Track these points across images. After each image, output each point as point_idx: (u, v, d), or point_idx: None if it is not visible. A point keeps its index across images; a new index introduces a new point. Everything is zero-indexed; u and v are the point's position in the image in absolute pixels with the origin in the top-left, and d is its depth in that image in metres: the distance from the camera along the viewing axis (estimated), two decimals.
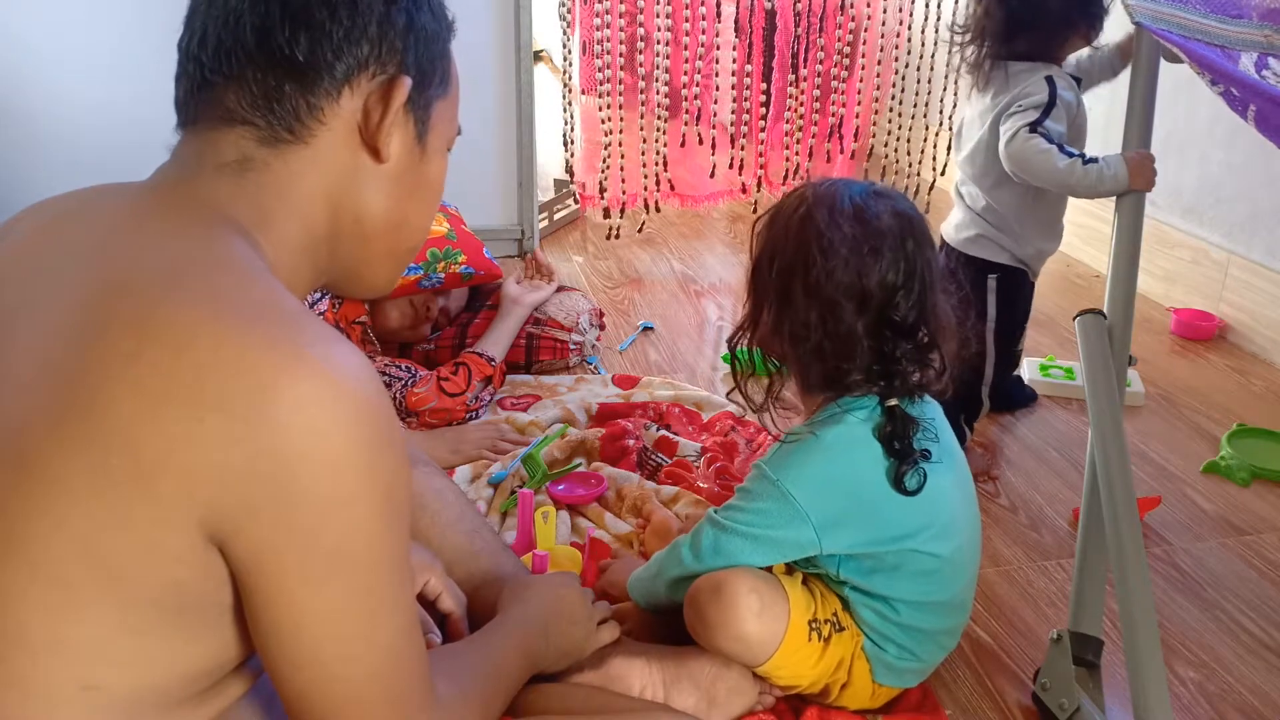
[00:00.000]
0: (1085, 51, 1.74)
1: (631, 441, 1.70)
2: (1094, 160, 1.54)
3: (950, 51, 1.76)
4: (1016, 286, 1.74)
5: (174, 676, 0.67)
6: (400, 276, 0.87)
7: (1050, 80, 1.62)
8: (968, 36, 1.71)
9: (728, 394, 1.21)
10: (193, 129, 0.75)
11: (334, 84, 0.72)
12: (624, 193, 2.69)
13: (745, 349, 1.21)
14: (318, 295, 1.70)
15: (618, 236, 2.73)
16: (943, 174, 2.83)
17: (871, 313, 1.10)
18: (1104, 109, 1.97)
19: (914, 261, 1.10)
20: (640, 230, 2.81)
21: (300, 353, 0.63)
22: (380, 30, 0.73)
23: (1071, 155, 1.56)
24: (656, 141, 2.65)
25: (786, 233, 1.14)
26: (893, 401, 1.11)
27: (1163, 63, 1.45)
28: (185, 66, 0.74)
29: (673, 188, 2.71)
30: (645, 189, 2.70)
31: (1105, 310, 1.39)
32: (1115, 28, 1.71)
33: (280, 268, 0.73)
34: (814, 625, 1.12)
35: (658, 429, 1.74)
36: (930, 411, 1.15)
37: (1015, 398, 1.95)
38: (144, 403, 0.60)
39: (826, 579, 1.16)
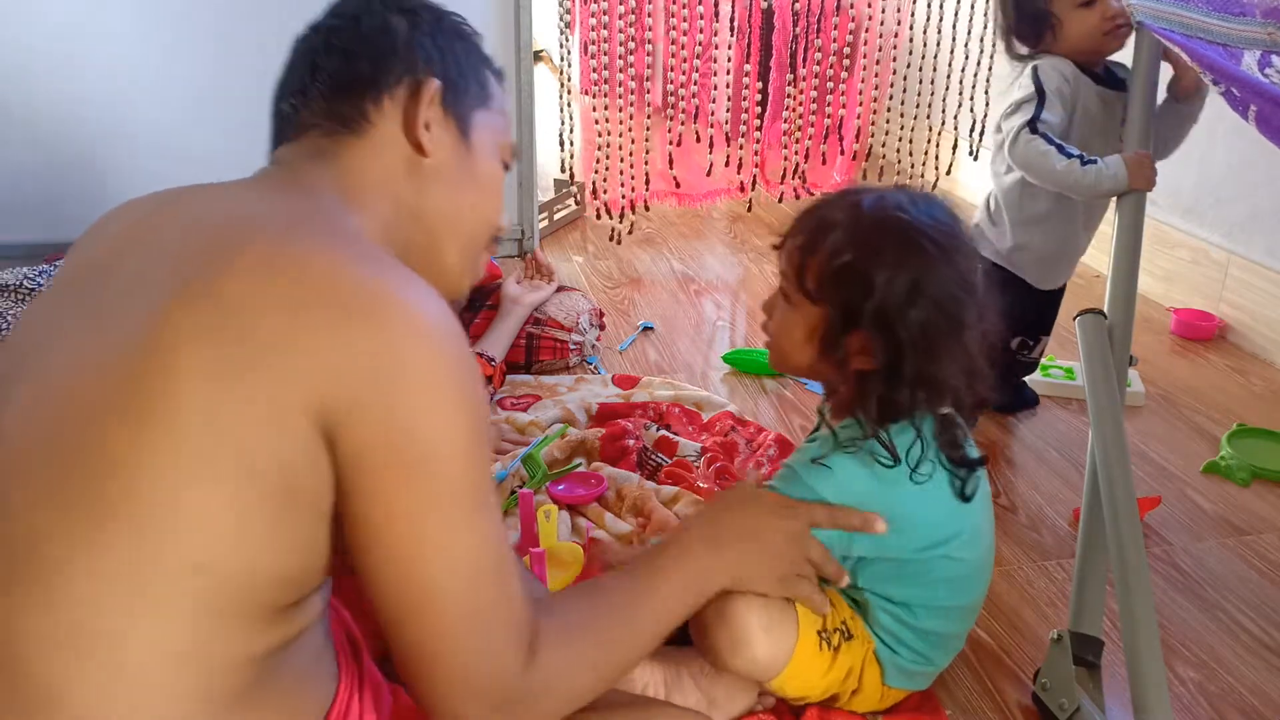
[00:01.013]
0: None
1: (631, 441, 1.70)
2: (1093, 161, 1.53)
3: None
4: (1002, 286, 1.71)
5: (271, 575, 0.71)
6: (472, 275, 0.97)
7: (1035, 71, 1.61)
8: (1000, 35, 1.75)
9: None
10: (278, 144, 0.91)
11: (376, 92, 0.88)
12: (624, 195, 2.69)
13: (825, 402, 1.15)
14: None
15: (619, 241, 2.73)
16: (948, 173, 2.83)
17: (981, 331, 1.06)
18: None
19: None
20: (630, 231, 2.80)
21: (407, 283, 0.74)
22: (407, 50, 0.89)
23: (1070, 156, 1.55)
24: (653, 141, 2.65)
25: (926, 270, 1.02)
26: (947, 409, 1.08)
27: (1164, 63, 1.45)
28: (273, 115, 0.92)
29: (677, 185, 2.71)
30: (644, 188, 2.70)
31: (1105, 310, 1.39)
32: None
33: (371, 239, 0.84)
34: (823, 635, 1.11)
35: (658, 429, 1.74)
36: None
37: (1015, 401, 1.95)
38: (273, 301, 0.69)
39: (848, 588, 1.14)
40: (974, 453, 1.11)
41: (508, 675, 0.77)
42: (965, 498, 1.09)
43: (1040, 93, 1.60)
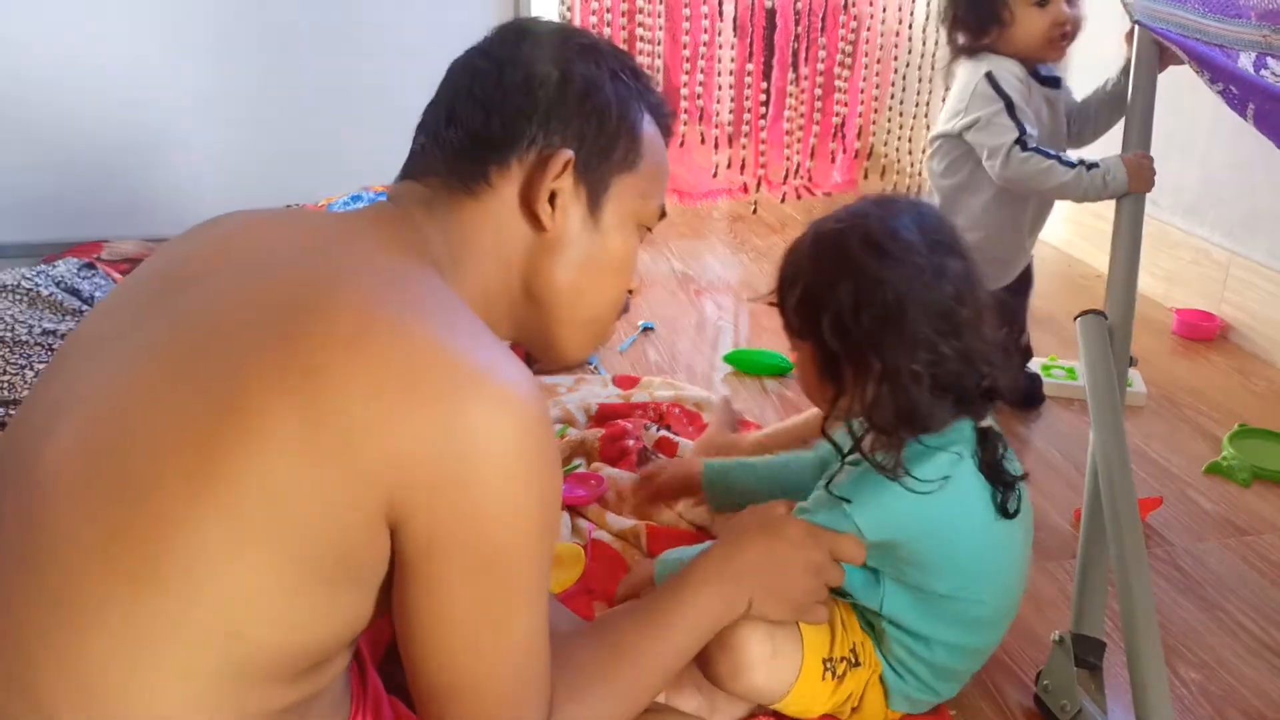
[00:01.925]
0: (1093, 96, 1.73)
1: (631, 442, 1.69)
2: (1095, 165, 1.53)
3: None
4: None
5: (309, 642, 0.70)
6: (591, 348, 0.94)
7: (989, 77, 1.59)
8: (942, 35, 1.74)
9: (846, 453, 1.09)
10: (403, 179, 0.87)
11: (503, 155, 0.82)
12: None
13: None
14: None
15: None
16: None
17: (969, 311, 1.05)
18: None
19: (964, 248, 1.09)
20: None
21: (493, 365, 0.70)
22: (549, 109, 0.82)
23: (1072, 165, 1.54)
24: None
25: (848, 265, 1.04)
26: (987, 423, 1.07)
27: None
28: (412, 143, 0.88)
29: (684, 184, 2.71)
30: None
31: (1106, 311, 1.38)
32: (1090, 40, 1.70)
33: (472, 305, 0.80)
34: (829, 664, 1.10)
35: (658, 429, 1.74)
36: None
37: (1029, 398, 1.94)
38: (361, 383, 0.66)
39: (864, 609, 1.14)
40: (1015, 469, 1.10)
41: None
42: (1007, 514, 1.07)
43: (1008, 102, 1.58)
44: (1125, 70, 1.67)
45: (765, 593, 1.01)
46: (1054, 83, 1.68)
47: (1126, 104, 1.68)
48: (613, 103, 0.84)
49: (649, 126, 0.88)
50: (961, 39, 1.68)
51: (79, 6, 2.22)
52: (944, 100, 2.71)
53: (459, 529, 0.68)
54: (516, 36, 0.87)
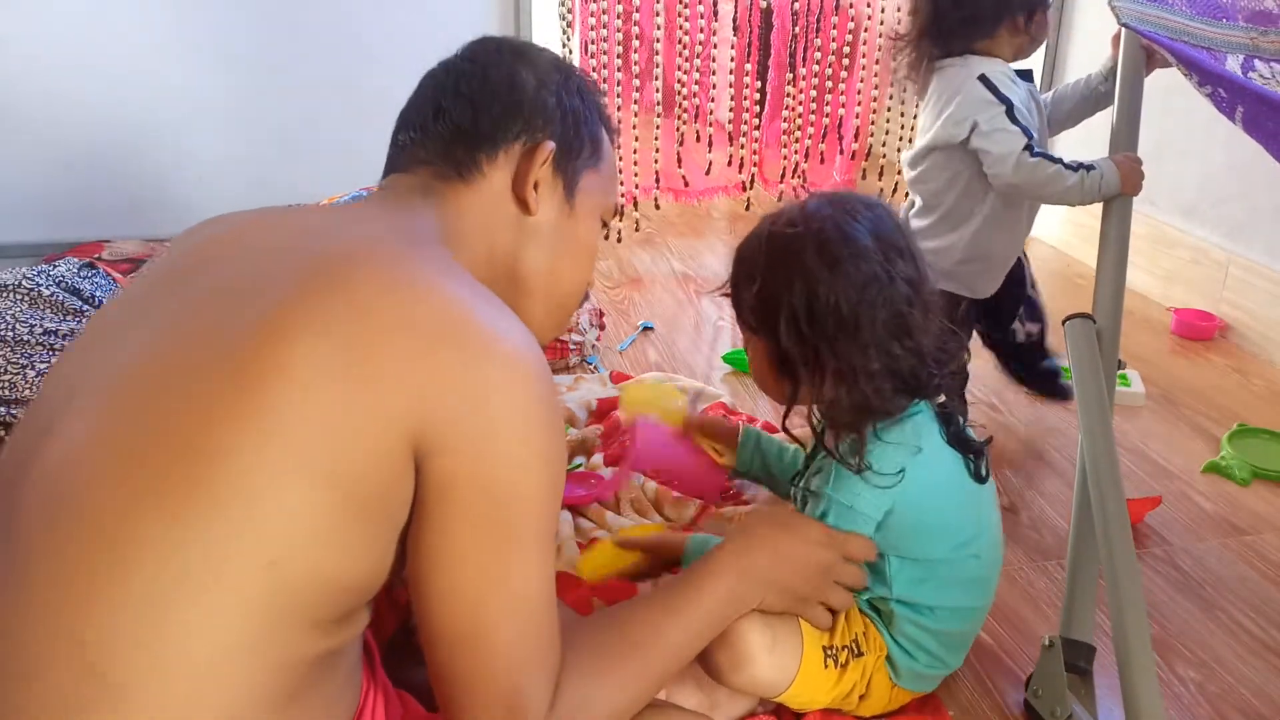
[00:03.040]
0: (1067, 89, 1.72)
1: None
2: (1091, 168, 1.52)
3: (894, 62, 1.72)
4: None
5: (337, 580, 0.72)
6: (558, 330, 1.02)
7: (984, 80, 1.56)
8: (903, 41, 1.66)
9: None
10: (392, 174, 0.94)
11: (493, 146, 0.91)
12: (623, 195, 2.69)
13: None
14: None
15: (620, 240, 2.73)
16: None
17: (919, 312, 1.09)
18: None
19: (914, 249, 1.12)
20: (637, 229, 2.80)
21: (505, 327, 0.77)
22: (531, 107, 0.92)
23: (1074, 169, 1.52)
24: (650, 139, 2.65)
25: (803, 273, 1.07)
26: (941, 398, 1.12)
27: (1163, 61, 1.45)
28: (391, 145, 0.95)
29: (685, 183, 2.71)
30: (638, 187, 2.70)
31: (1094, 314, 1.38)
32: (1085, 40, 1.70)
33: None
34: (829, 652, 1.11)
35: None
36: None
37: (1048, 387, 1.92)
38: (393, 322, 0.72)
39: (873, 598, 1.15)
40: (976, 437, 1.16)
41: (537, 711, 0.79)
42: (980, 479, 1.14)
43: (1009, 105, 1.55)
44: (1106, 73, 1.67)
45: (776, 590, 1.06)
46: (1028, 76, 1.66)
47: (1099, 104, 1.70)
48: (580, 109, 0.95)
49: (604, 135, 0.99)
50: (939, 45, 1.63)
51: (81, 7, 2.22)
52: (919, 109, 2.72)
53: (477, 471, 0.73)
54: (494, 46, 0.97)
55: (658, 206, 2.75)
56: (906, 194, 1.78)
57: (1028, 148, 1.54)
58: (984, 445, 1.15)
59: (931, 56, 1.64)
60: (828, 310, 1.06)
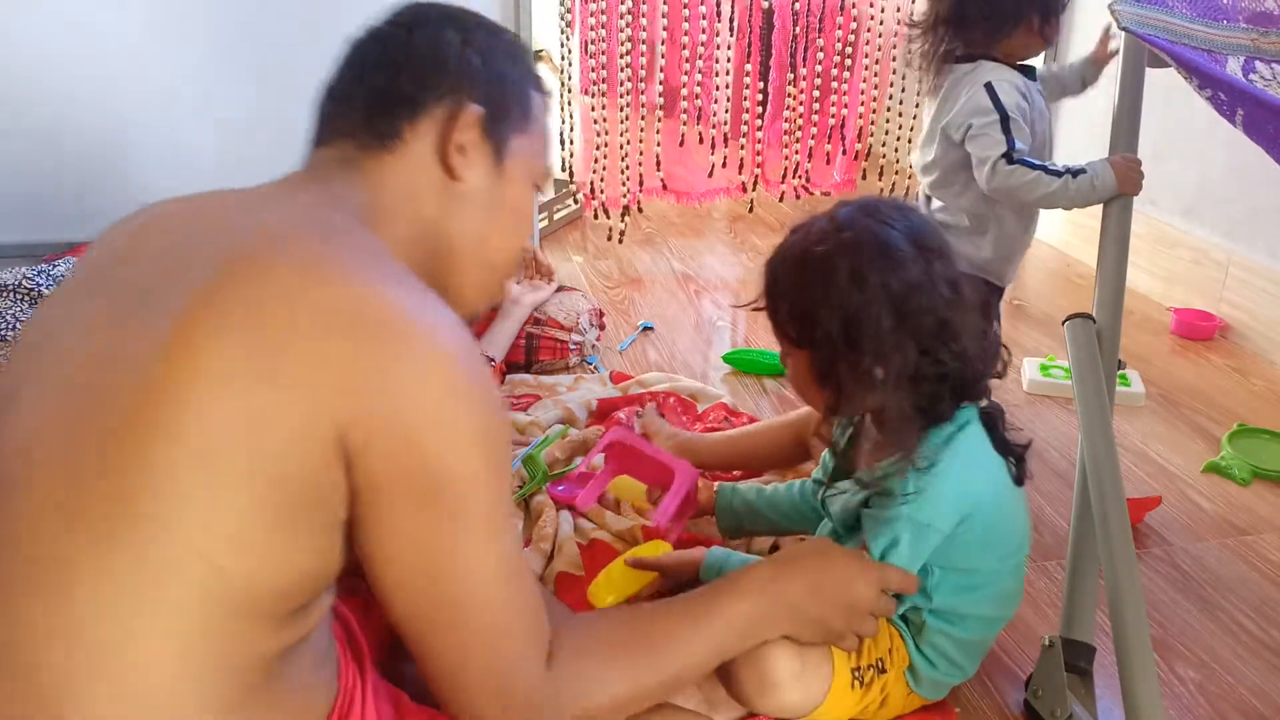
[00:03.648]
0: (1067, 61, 1.74)
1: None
2: (1081, 171, 1.53)
3: (908, 48, 1.73)
4: (976, 292, 1.70)
5: (280, 579, 0.71)
6: (491, 297, 0.99)
7: (989, 89, 1.58)
8: (919, 29, 1.68)
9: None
10: (317, 148, 0.91)
11: (414, 111, 0.87)
12: (625, 194, 2.69)
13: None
14: None
15: (621, 240, 2.73)
16: None
17: (959, 314, 1.07)
18: (1087, 110, 1.97)
19: (949, 248, 1.11)
20: (623, 237, 2.80)
21: (424, 311, 0.75)
22: (456, 69, 0.88)
23: (1059, 174, 1.54)
24: (654, 140, 2.65)
25: (841, 287, 1.05)
26: (984, 402, 1.12)
27: (1148, 65, 1.44)
28: (318, 110, 0.92)
29: (665, 186, 2.71)
30: (641, 187, 2.70)
31: (1094, 314, 1.38)
32: (1086, 41, 1.71)
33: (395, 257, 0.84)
34: (857, 674, 1.11)
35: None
36: None
37: None
38: (308, 320, 0.70)
39: (907, 609, 1.14)
40: (1020, 438, 1.16)
41: (529, 682, 0.79)
42: (1020, 482, 1.14)
43: (1003, 116, 1.57)
44: (1093, 59, 1.72)
45: (805, 621, 1.04)
46: (1031, 73, 1.68)
47: (1082, 88, 1.75)
48: (506, 70, 0.92)
49: (535, 96, 0.95)
50: (960, 45, 1.65)
51: (80, 7, 2.22)
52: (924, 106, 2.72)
53: (405, 462, 0.72)
54: (421, 10, 0.93)
55: (640, 209, 2.74)
56: (918, 194, 1.80)
57: (1005, 155, 1.56)
58: (1024, 449, 1.15)
59: (946, 55, 1.65)
60: (867, 326, 1.04)
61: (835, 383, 1.08)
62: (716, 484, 1.41)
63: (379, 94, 0.88)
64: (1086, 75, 1.76)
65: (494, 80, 0.90)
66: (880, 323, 1.03)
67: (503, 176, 0.92)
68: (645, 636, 0.92)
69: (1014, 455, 1.13)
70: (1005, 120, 1.57)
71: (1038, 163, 1.56)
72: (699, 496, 1.37)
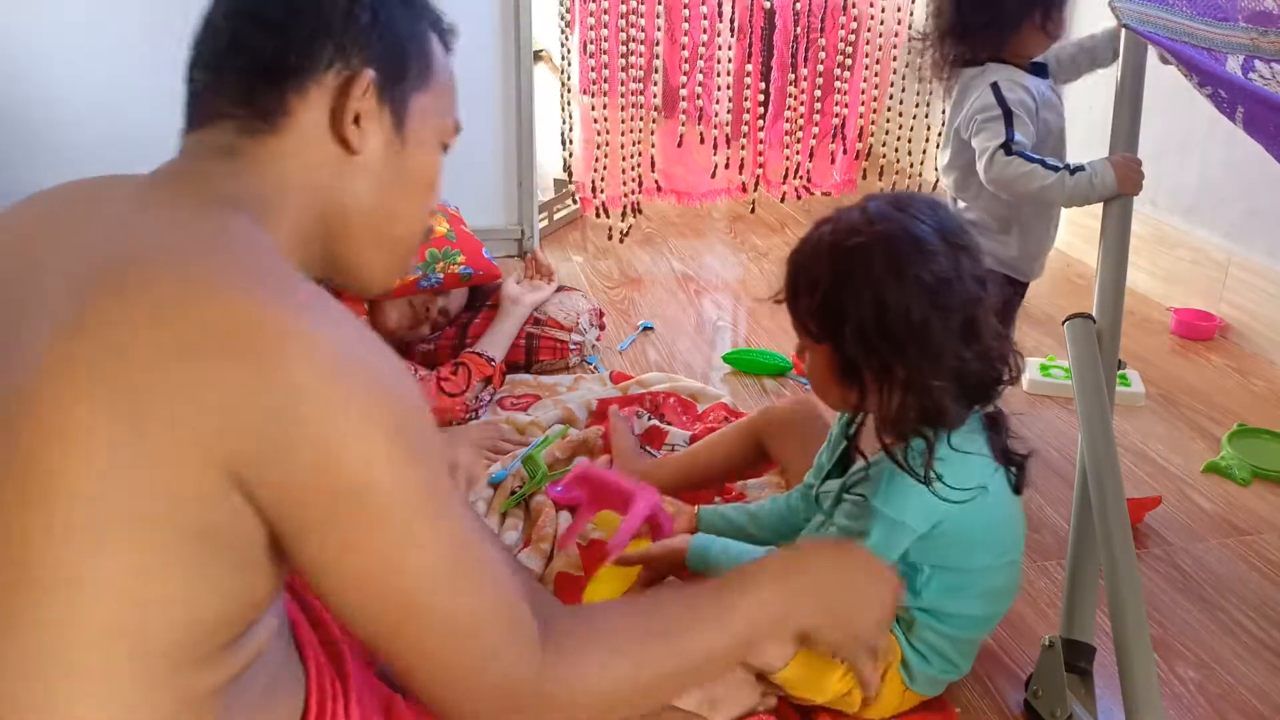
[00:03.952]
0: (1069, 44, 1.73)
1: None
2: (1080, 168, 1.53)
3: (910, 55, 1.75)
4: (1000, 289, 1.70)
5: (200, 621, 0.68)
6: (400, 273, 0.90)
7: (995, 88, 1.59)
8: (926, 41, 1.69)
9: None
10: (192, 130, 0.81)
11: (299, 80, 0.78)
12: (625, 194, 2.69)
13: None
14: None
15: (622, 239, 2.73)
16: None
17: (985, 312, 1.07)
18: (1087, 110, 1.97)
19: (977, 245, 1.11)
20: (625, 236, 2.80)
21: (300, 309, 0.67)
22: (343, 28, 0.79)
23: (1056, 169, 1.54)
24: (654, 141, 2.65)
25: (871, 282, 1.05)
26: (991, 408, 1.11)
27: (1160, 61, 1.44)
28: (188, 82, 0.82)
29: (666, 188, 2.71)
30: (642, 188, 2.70)
31: (1094, 314, 1.38)
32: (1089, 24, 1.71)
33: (282, 248, 0.77)
34: None
35: (649, 418, 1.76)
36: None
37: None
38: (163, 354, 0.64)
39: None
40: (1021, 447, 1.15)
41: (519, 675, 0.75)
42: (1018, 490, 1.14)
43: (1006, 113, 1.58)
44: (1109, 35, 1.70)
45: (831, 620, 0.96)
46: (1042, 71, 1.68)
47: (1114, 58, 1.70)
48: (401, 21, 0.82)
49: (436, 44, 0.86)
50: (961, 46, 1.66)
51: (82, 8, 2.22)
52: (944, 101, 2.72)
53: (306, 477, 0.66)
54: None
55: (640, 211, 2.75)
56: (933, 189, 1.81)
57: (1003, 146, 1.57)
58: (1025, 458, 1.14)
59: (955, 60, 1.67)
60: (899, 318, 1.03)
61: (858, 378, 1.08)
62: (697, 507, 1.38)
63: (259, 64, 0.78)
64: (1104, 57, 1.74)
65: (388, 35, 0.81)
66: (911, 316, 1.03)
67: (405, 144, 0.83)
68: (650, 629, 0.86)
69: (1014, 463, 1.13)
70: (1008, 115, 1.58)
71: (1036, 156, 1.56)
72: (680, 524, 1.33)
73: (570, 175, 2.78)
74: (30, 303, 0.69)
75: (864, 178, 2.83)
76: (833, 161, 2.80)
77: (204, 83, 0.80)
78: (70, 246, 0.72)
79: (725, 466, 1.55)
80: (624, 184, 2.68)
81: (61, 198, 0.80)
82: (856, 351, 1.06)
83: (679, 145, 2.66)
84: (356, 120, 0.79)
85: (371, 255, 0.85)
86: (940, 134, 2.80)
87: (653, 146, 2.69)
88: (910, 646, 1.15)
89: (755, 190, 2.80)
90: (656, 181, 2.73)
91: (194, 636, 0.68)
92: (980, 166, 1.60)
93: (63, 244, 0.72)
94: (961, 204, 1.74)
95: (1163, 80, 1.47)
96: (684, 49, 2.58)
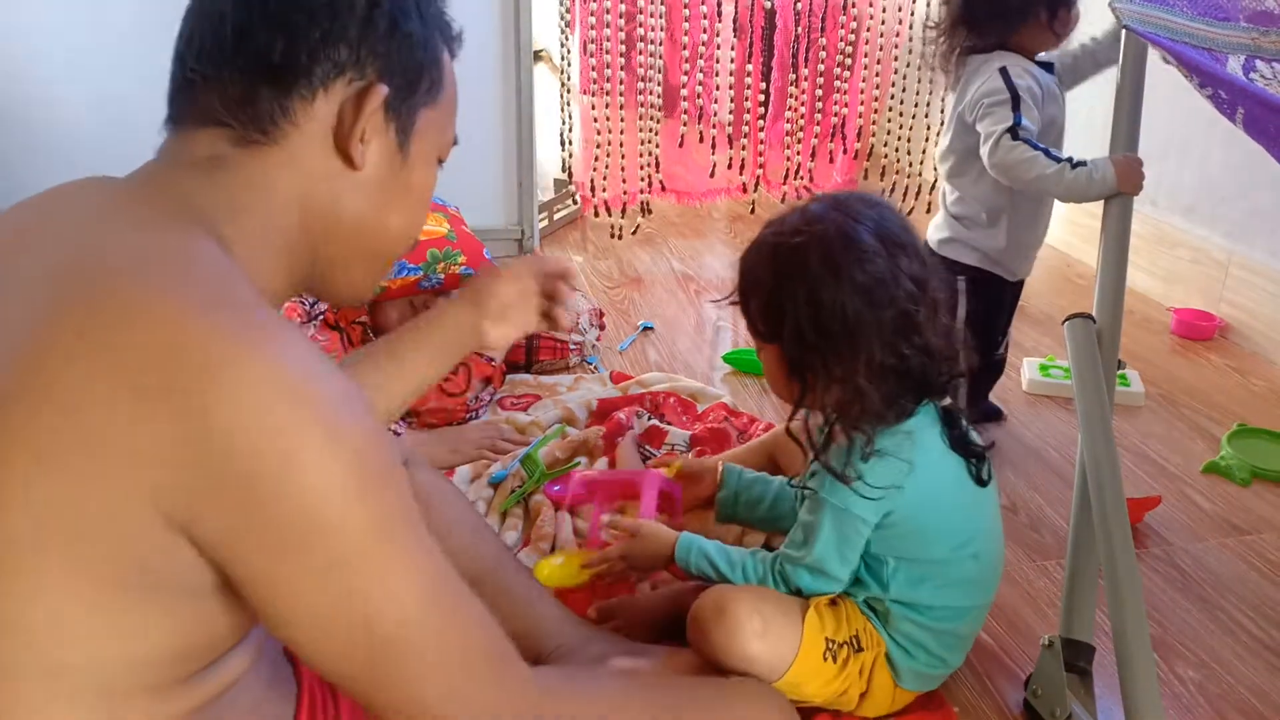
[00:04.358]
0: (1078, 43, 1.74)
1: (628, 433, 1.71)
2: (1082, 164, 1.53)
3: (924, 46, 1.76)
4: (987, 289, 1.72)
5: (152, 657, 0.65)
6: (378, 283, 0.87)
7: (1003, 72, 1.60)
8: (939, 29, 1.71)
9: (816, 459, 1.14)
10: (175, 127, 0.76)
11: (308, 87, 0.72)
12: (625, 193, 2.69)
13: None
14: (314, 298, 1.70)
15: (620, 237, 2.74)
16: None
17: (926, 309, 1.09)
18: (1088, 110, 1.97)
19: (919, 246, 1.12)
20: (635, 232, 2.81)
21: (241, 338, 0.62)
22: (360, 35, 0.73)
23: (1058, 160, 1.55)
24: (654, 141, 2.65)
25: (807, 280, 1.08)
26: (947, 401, 1.13)
27: (1162, 62, 1.44)
28: (174, 65, 0.75)
29: (666, 187, 2.71)
30: (641, 188, 2.70)
31: (1094, 314, 1.38)
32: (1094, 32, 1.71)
33: (251, 266, 0.72)
34: (831, 646, 1.12)
35: (649, 418, 1.76)
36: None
37: (977, 414, 1.91)
38: (93, 383, 0.60)
39: (868, 598, 1.16)
40: (978, 440, 1.17)
41: (513, 691, 0.74)
42: (982, 482, 1.15)
43: (1014, 97, 1.59)
44: (1110, 36, 1.70)
45: None
46: (1049, 68, 1.69)
47: (1096, 62, 1.73)
48: (419, 33, 0.77)
49: (446, 56, 0.81)
50: (971, 36, 1.67)
51: (84, 7, 2.22)
52: (943, 100, 2.73)
53: (247, 521, 0.62)
54: None
55: (649, 211, 2.75)
56: (931, 189, 1.81)
57: (1010, 130, 1.57)
58: (985, 450, 1.16)
59: (964, 49, 1.68)
60: (834, 316, 1.06)
61: (803, 375, 1.11)
62: (722, 464, 1.42)
63: (264, 66, 0.72)
64: (1119, 46, 1.75)
65: (404, 46, 0.75)
66: (847, 312, 1.06)
67: (407, 160, 0.79)
68: (639, 706, 0.91)
69: (973, 455, 1.14)
70: (1015, 99, 1.59)
71: (1041, 145, 1.57)
72: (702, 490, 1.40)
73: (570, 175, 2.78)
74: None
75: (864, 177, 2.83)
76: (832, 161, 2.80)
77: (199, 75, 0.73)
78: (32, 260, 0.68)
79: None
80: (625, 182, 2.68)
81: (37, 205, 0.76)
82: (798, 349, 1.09)
83: (680, 145, 2.66)
84: (363, 138, 0.75)
85: (354, 268, 0.81)
86: (940, 134, 2.80)
87: (655, 147, 2.69)
88: (891, 639, 1.15)
89: (755, 190, 2.80)
90: (660, 182, 2.72)
91: (155, 668, 0.65)
92: (985, 150, 1.60)
93: (28, 255, 0.69)
94: (953, 195, 1.74)
95: (1163, 80, 1.47)
96: (684, 49, 2.58)
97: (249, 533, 0.62)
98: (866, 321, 1.06)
